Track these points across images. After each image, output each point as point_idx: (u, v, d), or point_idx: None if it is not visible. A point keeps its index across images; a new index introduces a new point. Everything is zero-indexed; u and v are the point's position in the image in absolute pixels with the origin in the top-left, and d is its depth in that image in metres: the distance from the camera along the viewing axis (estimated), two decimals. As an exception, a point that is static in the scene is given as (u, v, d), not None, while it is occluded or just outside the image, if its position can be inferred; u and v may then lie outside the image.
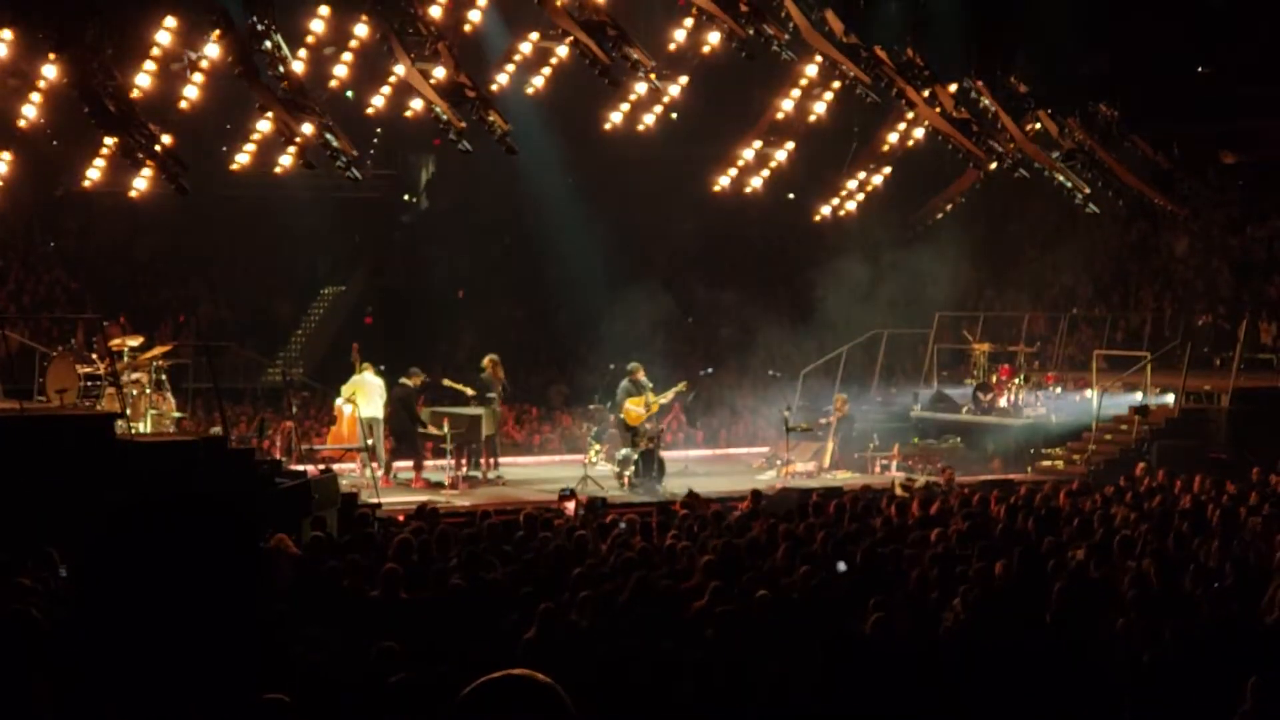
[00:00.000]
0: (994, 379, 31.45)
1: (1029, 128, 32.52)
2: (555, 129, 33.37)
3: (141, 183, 27.41)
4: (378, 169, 39.25)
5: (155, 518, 3.56)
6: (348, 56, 28.14)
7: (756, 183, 35.48)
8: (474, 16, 28.58)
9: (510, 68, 30.20)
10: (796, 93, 33.18)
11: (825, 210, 37.09)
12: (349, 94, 29.98)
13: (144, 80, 25.99)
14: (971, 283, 39.59)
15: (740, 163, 35.11)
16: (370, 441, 26.58)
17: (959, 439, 30.91)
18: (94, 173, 29.04)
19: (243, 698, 3.50)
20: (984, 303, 38.20)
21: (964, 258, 38.45)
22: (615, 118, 32.08)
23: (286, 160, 28.87)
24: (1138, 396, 30.39)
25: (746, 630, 12.40)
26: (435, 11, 27.57)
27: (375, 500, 23.17)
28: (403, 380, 27.05)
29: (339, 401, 27.44)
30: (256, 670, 3.56)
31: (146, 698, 3.42)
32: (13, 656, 9.42)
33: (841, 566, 15.40)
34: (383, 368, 27.77)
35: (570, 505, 21.72)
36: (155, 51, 26.01)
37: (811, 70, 32.00)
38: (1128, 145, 33.72)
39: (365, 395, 26.84)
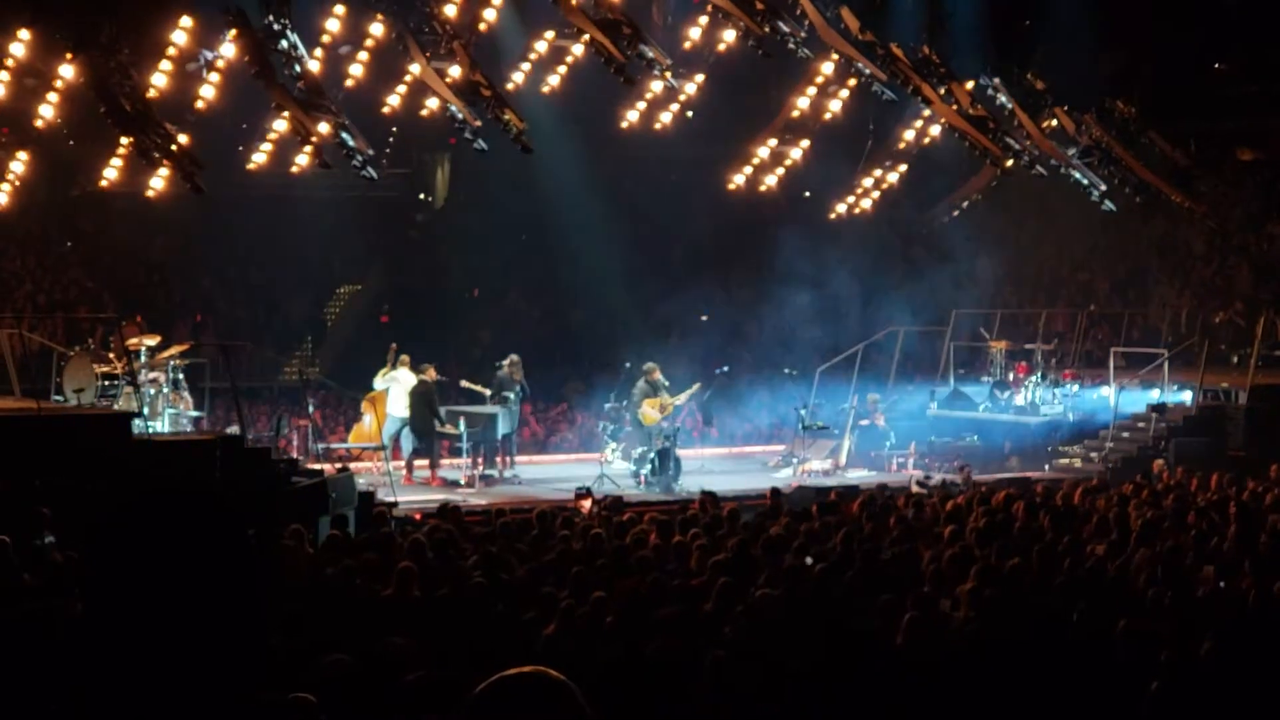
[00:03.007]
0: (1011, 376, 31.39)
1: (1046, 124, 32.48)
2: (571, 127, 33.31)
3: (158, 182, 27.45)
4: (393, 168, 39.22)
5: (150, 513, 3.54)
6: (364, 55, 28.14)
7: (772, 180, 35.46)
8: (489, 15, 28.58)
9: (526, 66, 30.19)
10: (812, 90, 33.14)
11: (841, 208, 37.06)
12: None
13: (160, 80, 26.03)
14: (988, 280, 39.52)
15: (756, 160, 35.10)
16: (414, 442, 26.70)
17: (976, 437, 30.85)
18: (111, 172, 29.10)
19: (248, 697, 3.48)
20: (1000, 300, 38.12)
21: (980, 255, 38.38)
22: (631, 116, 32.07)
23: (303, 159, 28.91)
24: (1155, 394, 30.30)
25: (764, 629, 12.38)
26: (451, 10, 27.60)
27: (392, 499, 23.14)
28: (421, 377, 26.97)
29: (377, 384, 27.32)
30: (261, 669, 3.53)
31: (149, 696, 3.40)
32: (33, 657, 9.44)
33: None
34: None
35: (586, 503, 21.71)
36: (172, 51, 26.05)
37: (827, 68, 31.97)
38: (1145, 142, 33.67)
39: (401, 393, 26.78)
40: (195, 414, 24.91)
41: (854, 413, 30.26)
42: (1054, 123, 32.72)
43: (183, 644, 3.46)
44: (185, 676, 3.47)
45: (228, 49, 26.12)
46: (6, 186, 27.76)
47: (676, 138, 33.19)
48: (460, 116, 27.09)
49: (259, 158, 30.74)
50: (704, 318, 39.23)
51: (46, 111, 25.92)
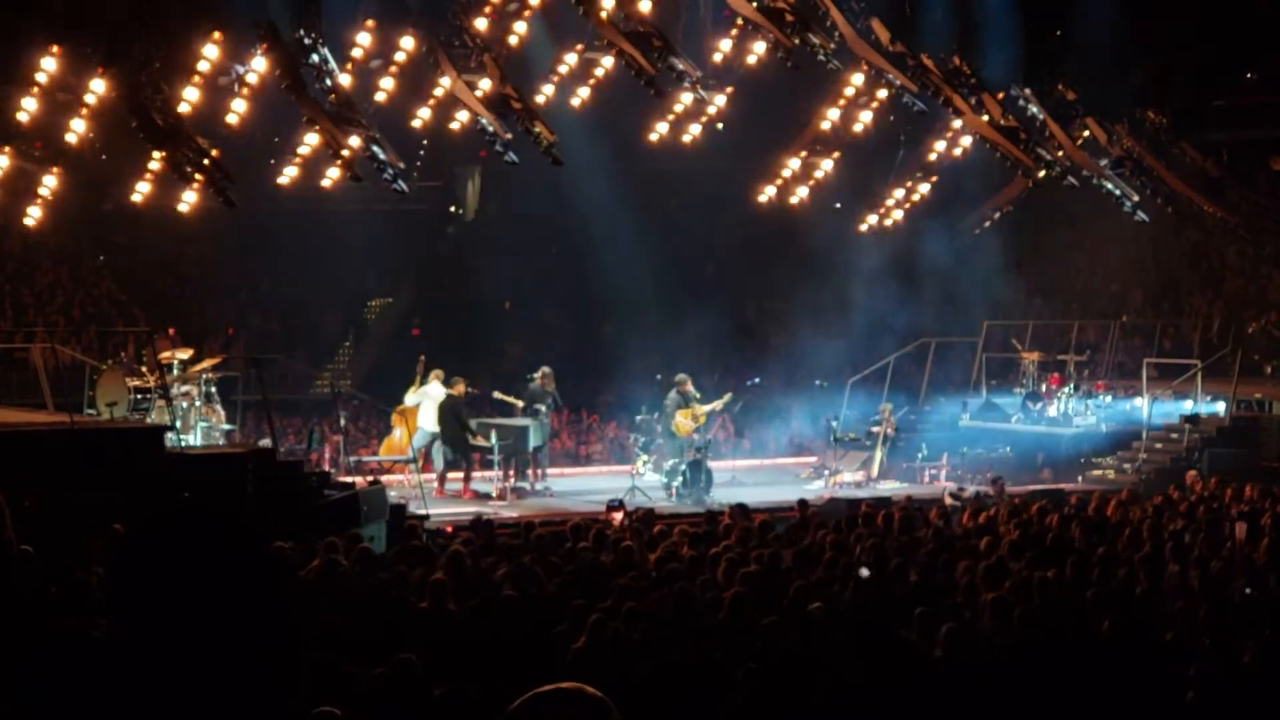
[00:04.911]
0: (1043, 388, 31.30)
1: (1077, 135, 32.38)
2: (601, 140, 33.33)
3: (190, 197, 27.54)
4: (424, 181, 39.32)
5: (170, 531, 3.55)
6: (394, 69, 28.20)
7: (802, 192, 35.39)
8: (519, 28, 28.61)
9: (556, 79, 30.21)
10: (842, 102, 33.06)
11: (872, 219, 36.99)
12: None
13: (191, 94, 26.09)
14: (1020, 291, 39.41)
15: (786, 173, 35.03)
16: (441, 454, 26.66)
17: (1008, 448, 30.74)
18: (143, 187, 29.19)
19: (273, 710, 3.48)
20: (1033, 311, 38.01)
21: (1012, 266, 38.27)
22: (661, 129, 32.01)
23: (334, 173, 28.98)
24: (1188, 405, 30.19)
25: (796, 642, 12.35)
26: (481, 24, 27.65)
27: (424, 511, 23.12)
28: (449, 392, 26.96)
29: (408, 400, 27.34)
30: (286, 682, 3.54)
31: (173, 711, 3.41)
32: (69, 672, 9.45)
33: (864, 572, 15.29)
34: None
35: (618, 516, 21.67)
36: (203, 66, 26.12)
37: (858, 79, 31.89)
38: (1176, 152, 33.56)
39: (431, 407, 26.79)
40: (227, 427, 24.97)
41: (885, 423, 30.17)
42: (1085, 133, 32.62)
43: (205, 659, 3.46)
44: (209, 690, 3.47)
45: (259, 63, 26.19)
46: (39, 201, 27.86)
47: (706, 151, 33.15)
48: (491, 129, 27.13)
49: (291, 172, 30.78)
50: (736, 329, 39.16)
51: (79, 126, 26.00)
